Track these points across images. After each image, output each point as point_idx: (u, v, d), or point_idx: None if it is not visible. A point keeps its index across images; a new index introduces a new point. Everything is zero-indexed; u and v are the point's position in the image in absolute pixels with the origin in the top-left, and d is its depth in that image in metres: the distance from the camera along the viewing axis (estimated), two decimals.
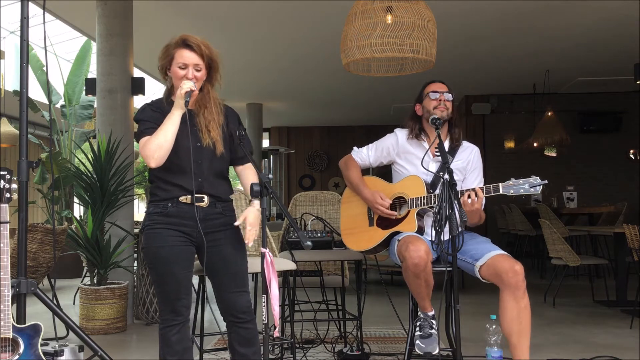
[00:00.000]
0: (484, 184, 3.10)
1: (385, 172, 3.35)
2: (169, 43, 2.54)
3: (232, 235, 2.58)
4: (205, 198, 2.52)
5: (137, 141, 2.55)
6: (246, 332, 2.57)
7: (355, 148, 3.34)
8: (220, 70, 2.61)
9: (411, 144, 3.17)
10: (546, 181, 2.76)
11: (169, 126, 2.43)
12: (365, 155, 3.28)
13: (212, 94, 2.60)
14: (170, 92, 2.60)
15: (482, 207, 3.02)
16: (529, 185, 2.75)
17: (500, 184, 2.79)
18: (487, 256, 2.81)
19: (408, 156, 3.16)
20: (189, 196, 2.49)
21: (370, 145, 3.30)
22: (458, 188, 2.83)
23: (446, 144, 3.14)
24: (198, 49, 2.49)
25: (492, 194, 2.82)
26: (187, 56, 2.49)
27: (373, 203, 3.11)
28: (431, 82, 3.18)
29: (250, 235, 2.48)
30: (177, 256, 2.49)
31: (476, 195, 2.79)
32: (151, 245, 2.50)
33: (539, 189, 2.74)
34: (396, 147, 3.20)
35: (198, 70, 2.51)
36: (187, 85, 2.44)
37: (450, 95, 3.11)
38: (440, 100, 3.08)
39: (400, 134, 3.22)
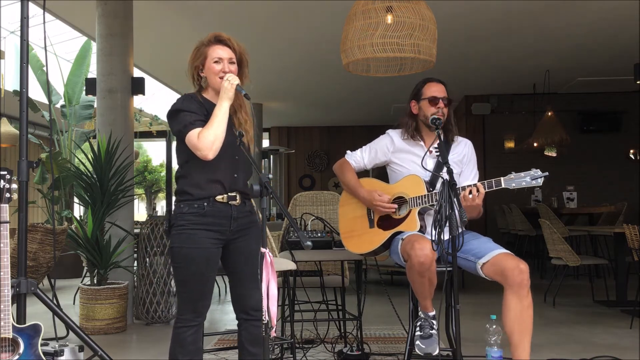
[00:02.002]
0: (478, 179, 3.10)
1: (384, 172, 3.34)
2: (199, 44, 2.59)
3: (256, 233, 2.62)
4: (238, 196, 2.55)
5: (179, 131, 2.49)
6: (257, 330, 2.57)
7: (348, 152, 3.33)
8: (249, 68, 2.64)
9: (407, 143, 3.17)
10: (547, 173, 2.76)
11: (223, 117, 2.46)
12: (359, 157, 3.28)
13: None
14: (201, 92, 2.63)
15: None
16: (531, 178, 2.75)
17: (502, 178, 2.79)
18: (490, 254, 2.81)
19: (405, 155, 3.16)
20: (225, 195, 2.51)
21: (363, 147, 3.29)
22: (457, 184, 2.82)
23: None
24: (230, 43, 2.57)
25: (494, 189, 2.82)
26: (220, 51, 2.55)
27: (371, 202, 3.10)
28: (430, 81, 3.16)
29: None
30: (208, 258, 2.50)
31: (477, 190, 2.80)
32: (184, 246, 2.49)
33: (540, 181, 2.74)
34: (391, 147, 3.19)
35: (232, 64, 2.56)
36: (234, 78, 2.48)
37: (447, 99, 3.11)
38: (439, 107, 3.08)
39: (394, 134, 3.22)
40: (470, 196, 2.80)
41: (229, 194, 2.52)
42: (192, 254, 2.48)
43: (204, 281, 2.50)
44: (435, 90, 3.11)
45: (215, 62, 2.54)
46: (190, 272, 2.49)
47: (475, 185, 2.82)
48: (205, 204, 2.50)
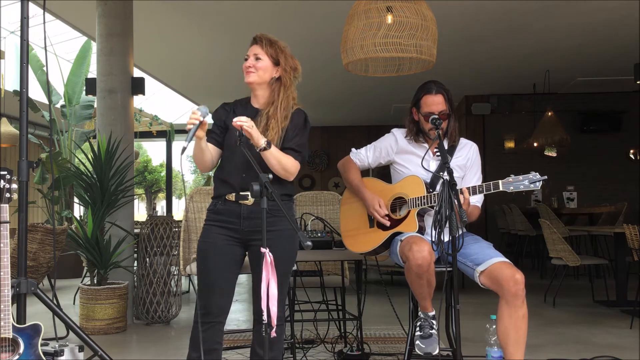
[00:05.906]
0: (483, 181, 3.10)
1: (385, 172, 3.34)
2: None
3: (279, 236, 2.52)
4: (249, 196, 2.52)
5: None
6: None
7: (353, 149, 3.32)
8: (294, 78, 2.72)
9: (410, 143, 3.16)
10: (545, 177, 2.75)
11: (195, 146, 2.52)
12: (363, 156, 3.26)
13: (281, 94, 2.64)
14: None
15: (480, 205, 3.04)
16: (529, 181, 2.74)
17: (500, 181, 2.79)
18: (488, 262, 2.79)
19: (408, 156, 3.15)
20: (234, 194, 2.53)
21: (368, 146, 3.28)
22: (458, 185, 2.82)
23: (445, 143, 3.12)
24: (260, 41, 2.59)
25: (492, 191, 2.81)
26: (251, 48, 2.60)
27: (370, 207, 3.10)
28: (428, 93, 3.05)
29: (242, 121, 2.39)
30: (216, 252, 2.50)
31: (463, 195, 2.80)
32: (200, 240, 2.58)
33: (538, 184, 2.73)
34: (395, 146, 3.18)
35: (257, 59, 2.58)
36: (192, 117, 2.36)
37: (446, 110, 3.04)
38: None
39: (398, 133, 3.21)
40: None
41: (240, 193, 2.52)
42: (200, 246, 2.56)
43: (211, 277, 2.50)
44: (431, 103, 3.04)
45: (245, 59, 2.60)
46: (200, 264, 2.54)
47: (460, 189, 2.81)
48: (219, 202, 2.57)
